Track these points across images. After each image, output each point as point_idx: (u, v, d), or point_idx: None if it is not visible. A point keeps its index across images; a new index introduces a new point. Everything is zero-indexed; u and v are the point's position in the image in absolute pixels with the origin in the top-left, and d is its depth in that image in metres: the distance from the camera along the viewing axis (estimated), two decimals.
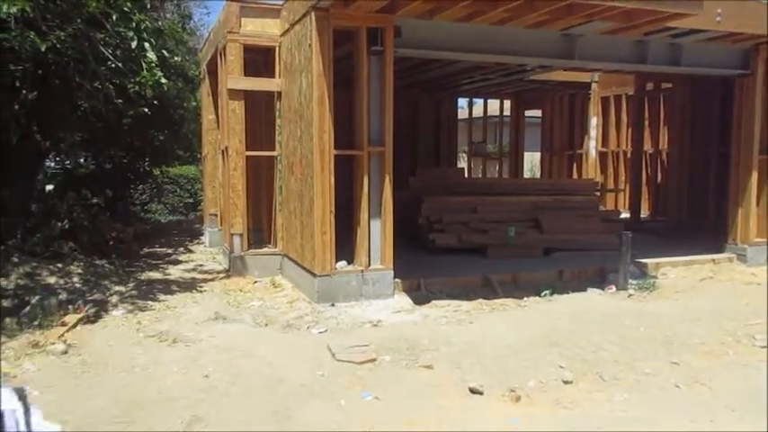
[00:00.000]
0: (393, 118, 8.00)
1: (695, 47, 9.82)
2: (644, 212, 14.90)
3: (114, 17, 7.46)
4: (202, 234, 13.57)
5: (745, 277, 9.88)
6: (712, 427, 4.63)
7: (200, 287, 8.96)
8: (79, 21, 7.41)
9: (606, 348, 6.36)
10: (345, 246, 8.18)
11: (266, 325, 7.19)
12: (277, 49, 9.19)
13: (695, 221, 13.36)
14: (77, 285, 8.33)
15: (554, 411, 4.98)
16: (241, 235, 9.49)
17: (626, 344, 6.51)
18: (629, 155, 15.56)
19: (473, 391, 5.26)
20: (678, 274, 9.85)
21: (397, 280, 8.24)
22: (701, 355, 6.25)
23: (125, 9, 7.45)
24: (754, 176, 10.44)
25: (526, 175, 21.09)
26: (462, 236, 10.77)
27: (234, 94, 9.23)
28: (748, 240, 10.54)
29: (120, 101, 8.72)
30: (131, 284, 8.92)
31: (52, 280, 8.24)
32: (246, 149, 9.41)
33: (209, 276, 9.73)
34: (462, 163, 21.07)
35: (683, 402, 5.13)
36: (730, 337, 6.77)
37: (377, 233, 8.05)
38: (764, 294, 8.70)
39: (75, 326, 6.82)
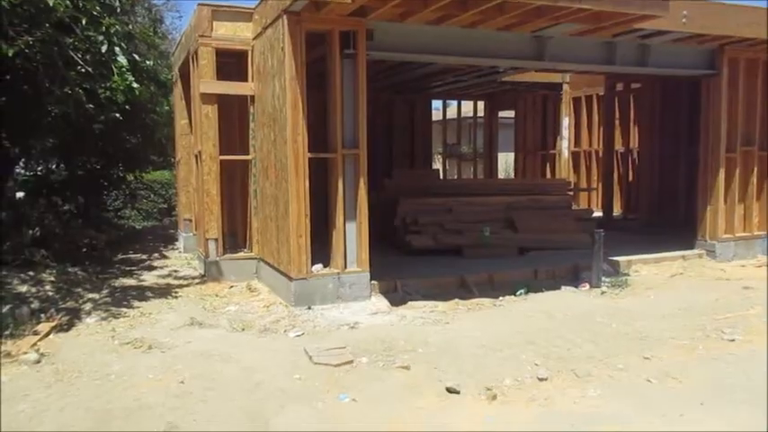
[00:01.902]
0: (367, 120, 8.04)
1: (662, 48, 10.02)
2: (616, 211, 15.13)
3: (83, 21, 7.38)
4: (177, 239, 13.46)
5: (714, 273, 10.10)
6: (683, 421, 4.72)
7: (176, 293, 8.89)
8: (48, 25, 7.32)
9: (580, 345, 6.44)
10: (321, 249, 8.18)
11: (243, 330, 7.16)
12: (250, 52, 9.17)
13: (666, 219, 13.61)
14: (50, 293, 8.21)
15: (529, 408, 5.03)
16: (216, 240, 9.44)
17: (599, 340, 6.61)
18: (600, 154, 15.78)
19: (450, 390, 5.30)
20: (650, 271, 10.03)
21: (373, 282, 8.27)
22: (671, 350, 6.36)
23: (94, 13, 7.39)
24: (722, 174, 10.67)
25: (500, 175, 21.30)
26: (438, 237, 10.84)
27: (207, 98, 9.18)
28: (717, 237, 10.77)
29: (92, 106, 8.62)
30: (105, 291, 8.82)
31: (23, 288, 8.12)
32: (220, 154, 9.37)
33: (185, 282, 9.66)
34: (437, 164, 21.15)
35: (654, 397, 5.22)
36: (700, 332, 6.91)
37: (353, 235, 8.08)
38: (733, 289, 8.91)
39: (47, 335, 6.73)
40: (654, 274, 9.87)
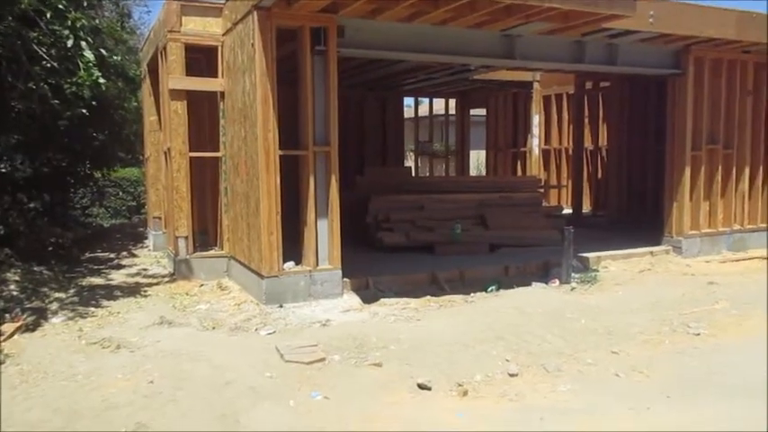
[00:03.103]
0: (338, 117, 8.02)
1: (630, 47, 10.17)
2: (586, 207, 15.34)
3: (48, 15, 7.23)
4: (146, 238, 13.28)
5: (680, 268, 10.29)
6: (649, 414, 4.81)
7: (145, 292, 8.78)
8: (10, 18, 7.15)
9: (550, 341, 6.52)
10: (293, 246, 8.15)
11: (213, 328, 7.10)
12: (220, 48, 9.07)
13: (634, 215, 13.84)
14: (14, 293, 8.04)
15: (500, 404, 5.08)
16: (186, 238, 9.33)
17: (569, 336, 6.69)
18: (570, 152, 15.97)
19: (421, 386, 5.32)
20: (618, 267, 10.18)
21: (345, 279, 8.26)
22: (639, 345, 6.48)
23: (59, 7, 7.24)
24: (688, 172, 10.88)
25: (472, 172, 21.42)
26: (410, 234, 10.87)
27: (176, 94, 9.06)
28: (683, 233, 10.98)
29: (57, 102, 8.43)
30: (72, 291, 8.66)
31: None
32: (190, 150, 9.25)
33: (154, 280, 9.54)
34: (409, 162, 21.21)
35: (622, 390, 5.31)
36: (667, 327, 7.04)
37: (324, 233, 8.05)
38: (698, 284, 9.09)
39: (12, 335, 6.59)
40: (622, 270, 10.02)
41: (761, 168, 11.76)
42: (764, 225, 11.84)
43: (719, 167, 11.30)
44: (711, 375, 5.62)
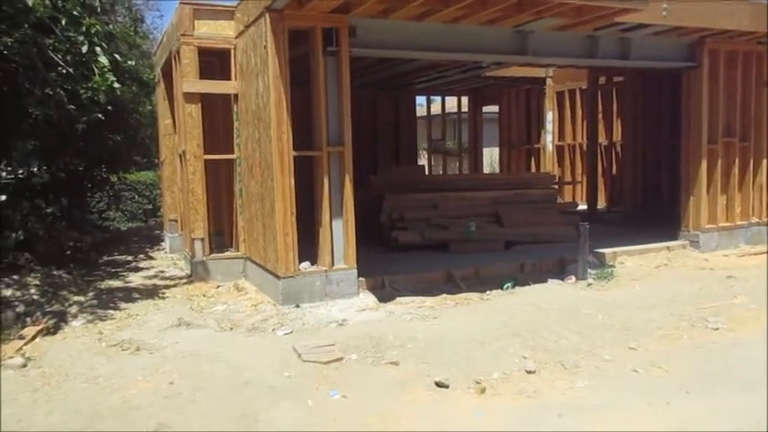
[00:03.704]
0: (351, 117, 8.03)
1: (644, 41, 10.10)
2: (601, 203, 15.23)
3: (63, 22, 7.32)
4: (163, 240, 13.38)
5: (697, 263, 10.21)
6: (668, 409, 4.78)
7: (163, 293, 8.86)
8: (26, 26, 7.24)
9: (567, 337, 6.50)
10: (308, 246, 8.18)
11: (231, 329, 7.15)
12: (232, 51, 9.13)
13: (650, 210, 13.73)
14: (35, 297, 8.14)
15: (518, 401, 5.07)
16: (202, 239, 9.40)
17: (586, 332, 6.66)
18: (584, 148, 15.89)
19: (439, 384, 5.32)
20: (635, 263, 10.12)
21: (361, 279, 8.28)
22: (657, 340, 6.44)
23: (74, 13, 7.33)
24: (704, 165, 10.78)
25: (486, 170, 21.38)
26: (424, 232, 10.87)
27: (190, 97, 9.13)
28: (700, 227, 10.89)
29: (73, 107, 8.53)
30: (91, 294, 8.76)
31: (8, 292, 8.03)
32: (205, 153, 9.33)
33: (171, 282, 9.62)
34: (423, 160, 21.20)
35: (641, 386, 5.28)
36: (685, 322, 6.99)
37: (339, 233, 8.08)
38: (716, 278, 9.02)
39: (33, 338, 6.68)
40: (639, 266, 9.96)
41: None
42: None
43: (736, 160, 11.18)
44: (730, 370, 5.58)
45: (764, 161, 11.46)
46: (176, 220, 11.91)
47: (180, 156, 10.17)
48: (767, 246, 11.03)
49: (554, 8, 7.56)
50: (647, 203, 14.02)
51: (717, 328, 6.77)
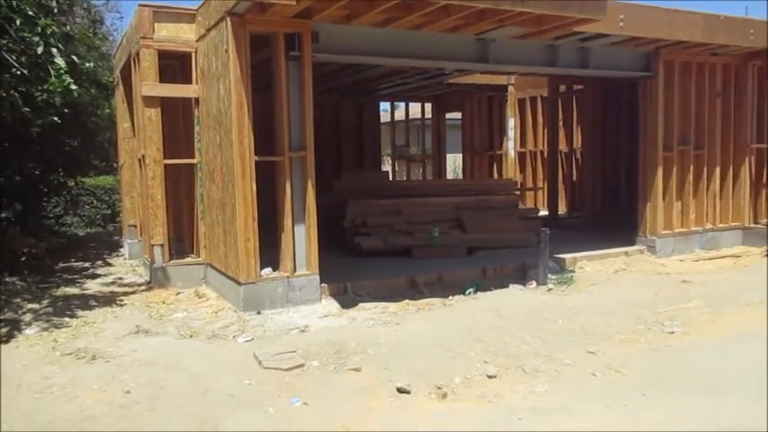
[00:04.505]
0: (314, 123, 8.01)
1: (602, 51, 10.32)
2: (561, 209, 15.46)
3: (18, 22, 7.13)
4: (122, 246, 13.12)
5: (654, 267, 10.44)
6: (625, 412, 4.87)
7: (121, 301, 8.67)
8: None
9: (528, 342, 6.57)
10: (270, 252, 8.12)
11: (191, 336, 7.05)
12: (193, 54, 9.02)
13: (609, 216, 13.98)
14: None
15: (479, 406, 5.11)
16: (162, 245, 9.24)
17: (546, 337, 6.75)
18: (545, 154, 16.12)
19: (401, 390, 5.33)
20: (594, 268, 10.29)
21: (323, 285, 8.24)
22: (615, 344, 6.55)
23: (29, 14, 7.15)
24: (660, 173, 11.05)
25: (449, 176, 21.50)
26: (388, 238, 10.88)
27: (149, 101, 8.99)
28: (656, 233, 11.14)
29: (28, 109, 8.32)
30: (46, 301, 8.53)
31: None
32: (165, 158, 9.18)
33: (130, 289, 9.43)
34: (386, 166, 21.23)
35: (599, 389, 5.37)
36: (642, 326, 7.13)
37: (302, 238, 8.04)
38: (672, 283, 9.23)
39: None
40: (598, 271, 10.13)
41: (731, 168, 11.97)
42: (735, 224, 12.06)
43: (691, 168, 11.49)
44: (686, 373, 5.71)
45: (718, 169, 11.80)
46: (136, 226, 11.68)
47: (139, 160, 10.00)
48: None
49: (515, 17, 7.67)
50: (607, 209, 14.28)
51: (672, 332, 6.92)
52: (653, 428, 4.55)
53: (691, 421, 4.63)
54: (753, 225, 12.15)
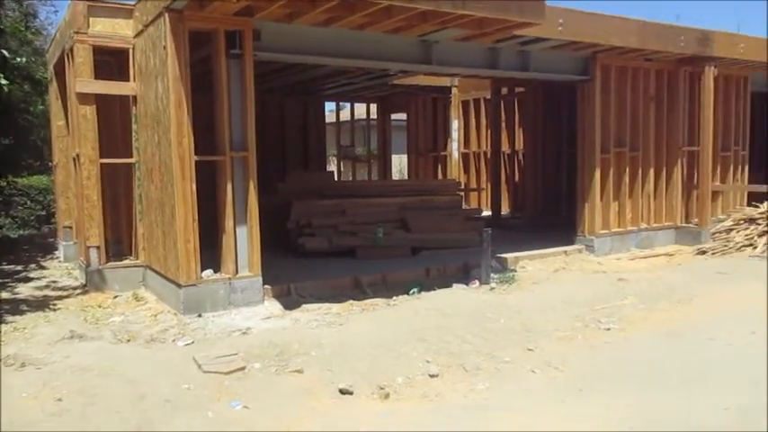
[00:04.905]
0: (257, 122, 7.91)
1: (542, 54, 10.54)
2: (504, 210, 15.74)
3: None
4: (57, 248, 12.66)
5: (593, 266, 10.72)
6: (562, 407, 4.98)
7: (54, 305, 8.35)
8: None
9: (470, 341, 6.64)
10: (212, 254, 7.97)
11: (128, 341, 6.84)
12: (131, 51, 8.77)
13: (550, 216, 14.32)
14: None
15: (421, 405, 5.14)
16: (98, 247, 8.95)
17: (488, 335, 6.84)
18: (488, 156, 16.37)
19: (343, 391, 5.31)
20: (535, 267, 10.50)
21: (266, 286, 8.15)
22: (554, 341, 6.70)
23: None
24: (597, 174, 11.36)
25: (395, 176, 21.62)
26: (332, 239, 10.84)
27: (84, 98, 8.69)
28: (595, 232, 11.45)
29: None
30: None
31: None
32: (101, 157, 8.90)
33: (65, 293, 9.10)
34: (332, 166, 21.17)
35: (537, 386, 5.48)
36: (580, 323, 7.32)
37: (243, 240, 7.92)
38: (609, 281, 9.49)
39: None
40: (539, 269, 10.34)
41: (664, 170, 12.41)
42: (669, 223, 12.51)
43: (627, 169, 11.86)
44: (621, 368, 5.89)
45: (652, 170, 12.21)
46: (71, 228, 11.28)
47: (74, 159, 9.66)
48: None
49: (456, 19, 7.75)
50: (548, 210, 14.62)
51: (609, 329, 7.13)
52: (588, 422, 4.67)
53: (627, 417, 4.77)
54: (684, 224, 12.64)
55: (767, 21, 59.20)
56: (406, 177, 20.13)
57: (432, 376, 5.69)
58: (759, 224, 12.13)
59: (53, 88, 11.67)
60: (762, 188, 12.66)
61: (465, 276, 9.60)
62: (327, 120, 18.21)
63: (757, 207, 12.77)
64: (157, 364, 5.96)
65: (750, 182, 13.94)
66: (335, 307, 7.99)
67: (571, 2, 10.12)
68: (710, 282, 9.42)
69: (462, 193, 14.98)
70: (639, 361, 6.07)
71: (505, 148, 15.90)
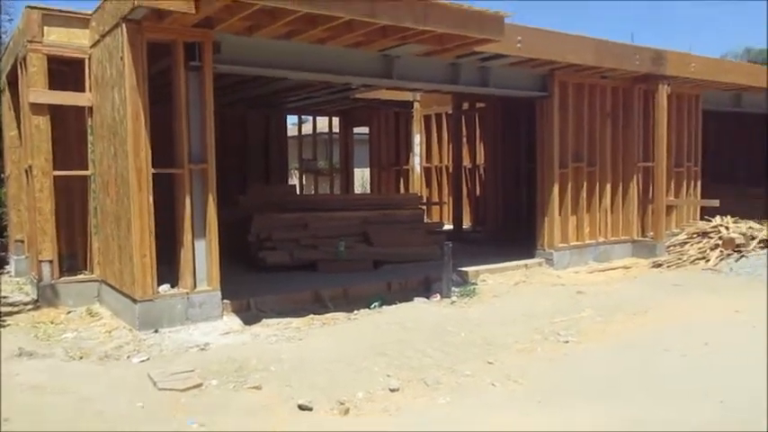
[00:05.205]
0: (217, 135, 7.84)
1: (501, 70, 10.70)
2: (466, 223, 15.85)
3: None
4: (8, 263, 12.26)
5: (552, 279, 10.86)
6: (521, 418, 5.01)
7: (4, 321, 8.06)
8: None
9: (430, 355, 6.64)
10: (170, 268, 7.82)
11: (81, 358, 6.64)
12: (87, 61, 8.60)
13: (510, 230, 14.47)
14: None
15: (381, 420, 5.10)
16: (51, 262, 8.69)
17: (449, 349, 6.85)
18: (450, 170, 16.49)
19: (302, 407, 5.24)
20: (496, 280, 10.58)
21: (225, 301, 8.02)
22: (514, 354, 6.74)
23: None
24: (556, 188, 11.54)
25: (357, 190, 21.61)
26: (293, 253, 10.75)
27: (37, 108, 8.46)
28: (554, 246, 11.61)
29: None
30: None
31: None
32: (55, 169, 8.66)
33: (15, 309, 8.79)
34: (294, 180, 21.08)
35: (497, 399, 5.50)
36: (539, 335, 7.38)
37: (202, 253, 7.80)
38: (568, 294, 9.63)
39: None
40: (499, 283, 10.43)
41: (621, 185, 12.68)
42: (625, 237, 12.76)
43: (585, 184, 12.08)
44: (580, 380, 5.95)
45: (609, 185, 12.46)
46: (23, 241, 10.94)
47: (26, 171, 9.39)
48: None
49: (417, 35, 7.82)
50: (508, 223, 14.78)
51: (567, 341, 7.21)
52: None
53: (582, 426, 4.82)
54: (641, 238, 12.91)
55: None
56: (369, 191, 20.13)
57: (392, 391, 5.66)
58: (711, 238, 12.48)
59: (6, 98, 11.36)
60: (713, 203, 13.03)
61: (426, 290, 9.62)
62: (290, 133, 18.15)
63: (709, 221, 13.15)
64: (111, 382, 5.81)
65: (702, 197, 14.32)
66: (296, 321, 7.91)
67: (531, 20, 10.34)
68: (666, 294, 9.64)
69: (424, 207, 15.06)
70: (597, 373, 6.15)
71: (467, 162, 16.06)
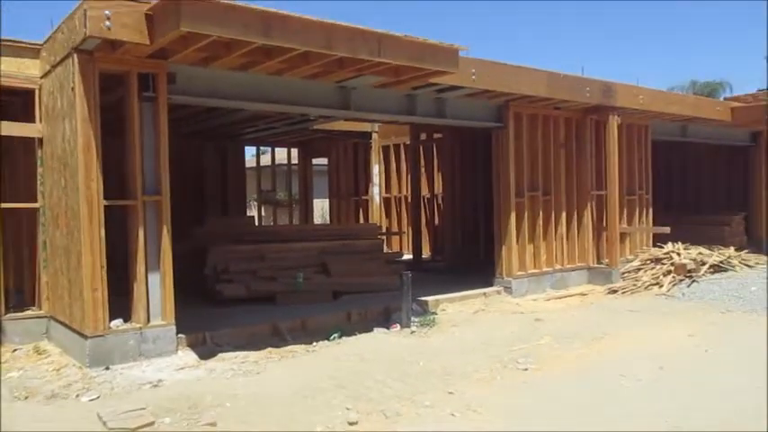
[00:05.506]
0: (173, 166, 7.73)
1: (457, 102, 10.88)
2: (425, 253, 15.90)
3: None
4: None
5: (511, 307, 10.93)
6: None
7: None
8: None
9: (390, 386, 6.57)
10: (123, 302, 7.61)
11: (26, 398, 6.38)
12: (37, 91, 8.43)
13: (469, 259, 14.56)
14: None
15: None
16: None
17: (408, 379, 6.79)
18: (409, 200, 16.58)
19: None
20: (455, 309, 10.59)
21: (180, 335, 7.83)
22: (473, 383, 6.72)
23: None
24: (513, 217, 11.69)
25: (317, 221, 21.54)
26: (251, 285, 10.60)
27: None
28: (512, 274, 11.71)
29: None
30: None
31: None
32: (1, 201, 8.41)
33: None
34: (253, 211, 20.89)
35: (457, 429, 5.46)
36: (498, 364, 7.39)
37: (156, 287, 7.62)
38: (526, 321, 9.69)
39: None
40: (459, 312, 10.44)
41: (575, 213, 12.93)
42: (581, 264, 12.97)
43: (541, 213, 12.27)
44: (538, 408, 5.96)
45: (564, 213, 12.69)
46: None
47: None
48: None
49: (373, 67, 7.90)
50: (467, 252, 14.87)
51: (526, 369, 7.22)
52: None
53: None
54: (596, 265, 13.14)
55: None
56: (329, 222, 20.07)
57: (351, 423, 5.56)
58: (664, 264, 12.79)
59: None
60: (665, 230, 13.38)
61: (386, 320, 9.57)
62: (248, 164, 18.05)
63: (662, 248, 13.48)
64: (58, 422, 5.59)
65: (654, 224, 14.70)
66: (253, 355, 7.76)
67: (487, 52, 10.58)
68: (621, 320, 9.79)
69: (384, 237, 15.07)
70: (555, 399, 6.17)
71: (425, 192, 16.19)
